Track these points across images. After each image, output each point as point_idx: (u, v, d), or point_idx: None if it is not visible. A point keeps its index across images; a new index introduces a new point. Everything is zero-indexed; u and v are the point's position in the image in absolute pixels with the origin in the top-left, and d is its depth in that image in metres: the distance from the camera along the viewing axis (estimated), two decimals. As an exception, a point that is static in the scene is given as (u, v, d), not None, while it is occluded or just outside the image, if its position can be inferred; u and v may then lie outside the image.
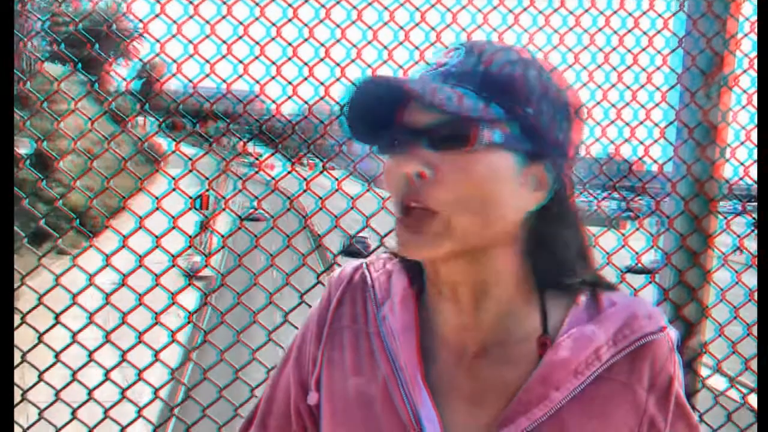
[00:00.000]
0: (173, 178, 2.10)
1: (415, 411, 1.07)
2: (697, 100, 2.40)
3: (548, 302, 1.11)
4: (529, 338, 1.09)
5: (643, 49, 2.43)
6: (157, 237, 2.09)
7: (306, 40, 2.16)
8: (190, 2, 2.06)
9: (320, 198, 2.25)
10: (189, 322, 2.23)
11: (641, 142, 2.42)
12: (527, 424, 1.04)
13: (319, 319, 1.24)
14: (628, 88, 2.40)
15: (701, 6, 2.41)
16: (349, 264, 1.28)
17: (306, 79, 2.16)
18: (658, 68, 2.44)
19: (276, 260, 2.27)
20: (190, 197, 2.18)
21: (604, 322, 1.08)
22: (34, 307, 2.03)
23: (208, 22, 2.07)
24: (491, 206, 1.01)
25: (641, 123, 2.40)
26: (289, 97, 2.18)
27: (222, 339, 2.29)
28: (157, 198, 2.11)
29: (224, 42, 2.08)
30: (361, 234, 2.51)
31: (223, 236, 2.66)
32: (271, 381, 1.32)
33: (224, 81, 2.14)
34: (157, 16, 2.06)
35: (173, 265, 2.14)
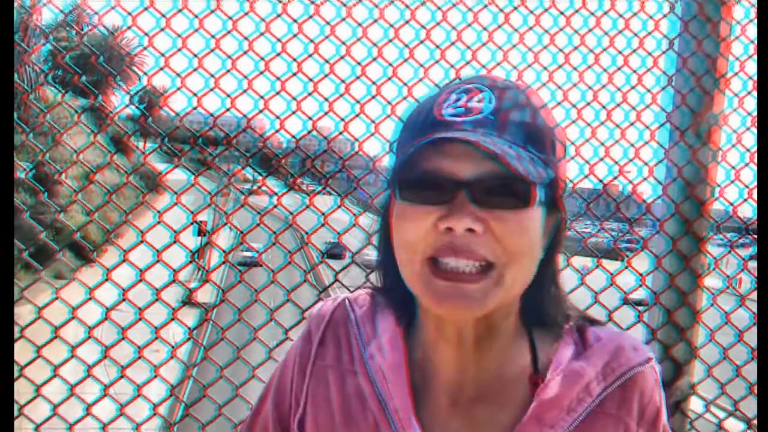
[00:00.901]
0: (158, 212, 2.12)
1: None
2: (686, 139, 2.42)
3: (536, 340, 1.12)
4: (520, 378, 1.09)
5: (633, 87, 2.45)
6: (141, 271, 2.09)
7: (311, 55, 2.18)
8: (178, 36, 2.07)
9: (323, 213, 2.26)
10: (189, 338, 2.22)
11: (630, 181, 2.44)
12: None
13: (301, 357, 1.20)
14: (617, 126, 2.41)
15: (691, 45, 2.43)
16: (329, 299, 1.26)
17: (310, 94, 2.17)
18: (648, 106, 2.46)
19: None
20: (175, 230, 2.19)
21: (591, 357, 1.09)
22: (32, 321, 2.03)
23: (196, 55, 2.09)
24: (534, 259, 1.02)
25: (630, 161, 2.42)
26: (277, 131, 2.20)
27: (222, 356, 2.29)
28: (141, 231, 2.12)
29: (216, 73, 2.10)
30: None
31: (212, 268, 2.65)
32: (251, 415, 1.29)
33: (212, 114, 2.17)
34: (147, 47, 2.09)
35: (156, 300, 2.13)
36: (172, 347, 2.16)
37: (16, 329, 2.00)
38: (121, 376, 2.13)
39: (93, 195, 2.25)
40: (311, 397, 1.16)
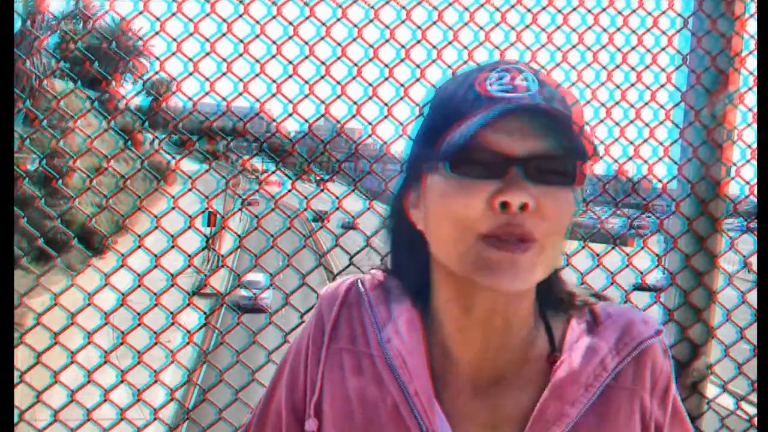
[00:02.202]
0: (172, 197, 2.11)
1: None
2: (701, 119, 2.39)
3: (549, 320, 1.13)
4: (538, 358, 1.10)
5: (647, 67, 2.42)
6: (156, 256, 2.09)
7: (307, 57, 2.16)
8: (190, 20, 2.07)
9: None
10: (188, 343, 2.22)
11: (645, 161, 2.41)
12: None
13: (314, 340, 1.19)
14: (632, 106, 2.39)
15: (705, 23, 2.41)
16: (340, 280, 1.24)
17: (306, 96, 2.16)
18: (662, 86, 2.44)
19: (278, 279, 2.27)
20: (189, 216, 2.17)
21: (603, 332, 1.11)
22: (32, 327, 2.03)
23: (208, 39, 2.08)
24: (564, 240, 1.04)
25: (645, 141, 2.39)
26: (290, 115, 2.18)
27: (224, 360, 2.27)
28: (156, 216, 2.11)
29: (224, 60, 2.10)
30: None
31: (222, 255, 2.65)
32: (263, 401, 1.28)
33: (224, 99, 2.16)
34: (157, 33, 2.07)
35: (172, 285, 2.13)
36: (188, 332, 2.15)
37: (32, 318, 2.01)
38: (138, 362, 2.12)
39: (102, 187, 2.24)
40: (327, 381, 1.15)
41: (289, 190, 2.29)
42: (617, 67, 2.38)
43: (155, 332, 2.15)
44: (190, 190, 2.15)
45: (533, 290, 1.08)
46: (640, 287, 2.77)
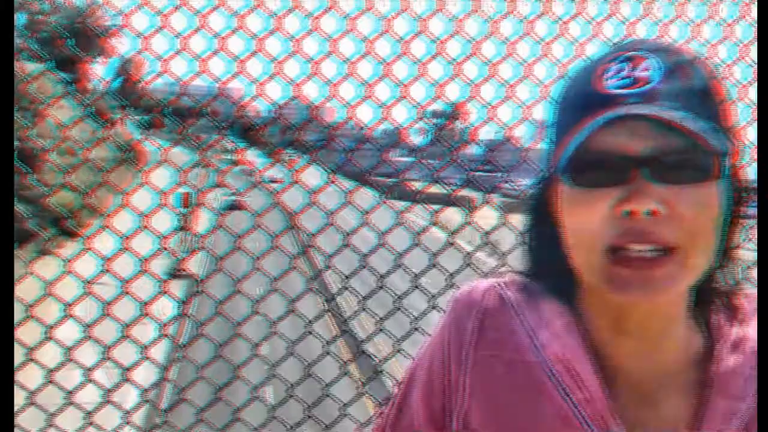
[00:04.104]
0: (142, 170, 2.04)
1: None
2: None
3: (701, 316, 1.07)
4: (697, 357, 1.04)
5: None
6: (124, 237, 2.03)
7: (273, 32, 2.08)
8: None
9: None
10: (183, 314, 2.16)
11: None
12: None
13: (455, 348, 1.11)
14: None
15: None
16: (474, 283, 1.16)
17: (293, 55, 2.08)
18: None
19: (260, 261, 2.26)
20: (161, 191, 2.10)
21: (750, 320, 1.06)
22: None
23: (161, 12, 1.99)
24: (716, 238, 0.94)
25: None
26: (256, 97, 2.13)
27: (204, 350, 2.25)
28: (124, 192, 2.06)
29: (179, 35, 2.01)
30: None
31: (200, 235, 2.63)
32: (393, 414, 1.21)
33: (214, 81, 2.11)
34: (134, 12, 2.01)
35: (143, 272, 2.07)
36: (162, 324, 2.10)
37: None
38: (107, 359, 2.06)
39: (75, 171, 2.23)
40: (474, 391, 1.08)
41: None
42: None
43: (125, 324, 2.09)
44: (160, 164, 2.09)
45: (686, 292, 1.00)
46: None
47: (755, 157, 1.08)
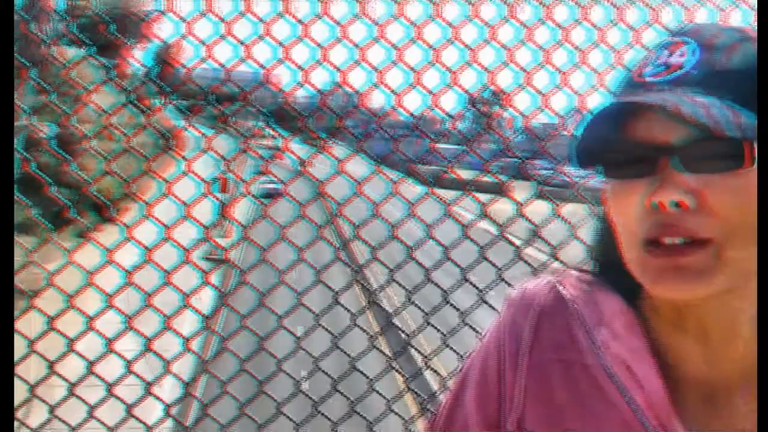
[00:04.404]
0: (184, 158, 2.03)
1: None
2: None
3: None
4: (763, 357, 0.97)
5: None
6: (166, 227, 2.00)
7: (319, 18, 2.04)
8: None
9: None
10: (224, 305, 2.15)
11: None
12: None
13: (510, 350, 1.07)
14: None
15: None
16: (529, 282, 1.12)
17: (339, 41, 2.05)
18: None
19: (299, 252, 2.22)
20: (204, 180, 2.08)
21: None
22: (42, 289, 1.97)
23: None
24: (758, 232, 0.87)
25: None
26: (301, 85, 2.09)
27: (242, 343, 2.23)
28: (166, 181, 2.03)
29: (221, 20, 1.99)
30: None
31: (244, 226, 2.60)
32: (444, 417, 1.17)
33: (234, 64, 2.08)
34: None
35: (185, 262, 2.04)
36: (205, 317, 2.08)
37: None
38: (147, 350, 2.06)
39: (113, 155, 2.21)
40: (531, 395, 1.04)
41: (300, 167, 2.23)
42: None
43: (166, 316, 2.08)
44: (203, 153, 2.07)
45: (751, 288, 0.92)
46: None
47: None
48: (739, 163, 0.85)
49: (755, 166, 0.86)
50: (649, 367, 0.97)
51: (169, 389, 2.12)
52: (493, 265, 2.23)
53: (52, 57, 2.20)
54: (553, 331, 1.04)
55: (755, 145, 0.85)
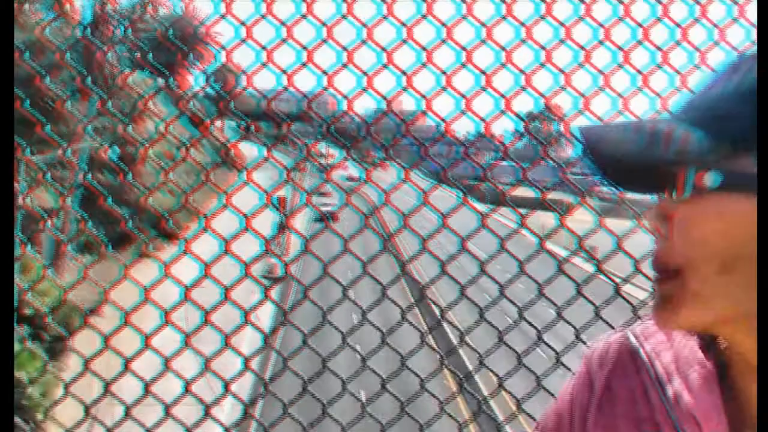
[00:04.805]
0: (245, 168, 2.02)
1: None
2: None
3: None
4: None
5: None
6: (225, 240, 2.00)
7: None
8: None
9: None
10: (285, 322, 2.15)
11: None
12: None
13: (581, 405, 1.04)
14: None
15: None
16: (607, 335, 1.08)
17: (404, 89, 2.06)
18: None
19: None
20: (265, 191, 2.08)
21: None
22: (98, 305, 1.98)
23: (284, 23, 2.00)
24: (758, 230, 0.79)
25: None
26: (364, 90, 2.08)
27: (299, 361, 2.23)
28: (225, 193, 2.03)
29: (304, 48, 2.02)
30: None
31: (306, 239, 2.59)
32: None
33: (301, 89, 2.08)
34: (223, 17, 1.99)
35: (246, 275, 2.05)
36: (266, 336, 2.07)
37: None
38: (206, 369, 2.04)
39: (173, 175, 2.23)
40: None
41: (365, 181, 2.22)
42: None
43: (226, 335, 2.07)
44: (266, 159, 2.05)
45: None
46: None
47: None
48: (698, 190, 0.80)
49: (723, 192, 0.79)
50: (719, 426, 0.90)
51: (228, 409, 2.12)
52: (592, 303, 2.19)
53: (124, 83, 2.24)
54: (624, 386, 1.00)
55: (713, 174, 0.79)
